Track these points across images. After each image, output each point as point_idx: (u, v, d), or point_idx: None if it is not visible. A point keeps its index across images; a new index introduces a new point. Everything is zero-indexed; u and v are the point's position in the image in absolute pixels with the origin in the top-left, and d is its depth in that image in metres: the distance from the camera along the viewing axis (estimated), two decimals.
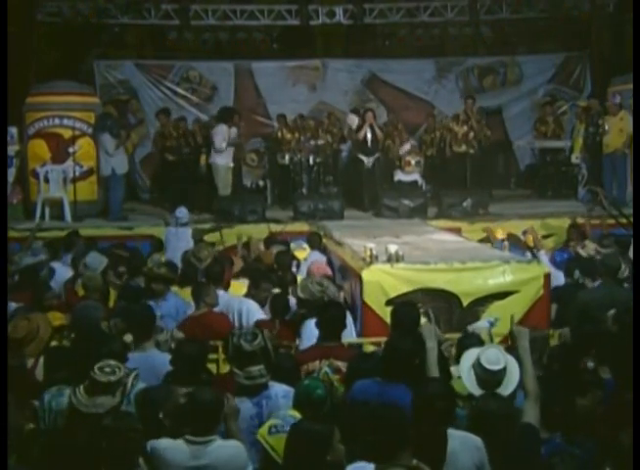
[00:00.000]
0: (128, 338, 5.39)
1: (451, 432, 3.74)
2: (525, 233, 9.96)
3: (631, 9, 12.10)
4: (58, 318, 6.06)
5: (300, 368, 4.99)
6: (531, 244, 9.50)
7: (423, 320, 5.57)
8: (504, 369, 4.26)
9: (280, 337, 5.69)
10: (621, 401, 4.14)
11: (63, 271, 8.27)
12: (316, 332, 5.35)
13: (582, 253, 8.33)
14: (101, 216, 12.18)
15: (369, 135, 12.78)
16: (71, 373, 4.43)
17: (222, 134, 12.40)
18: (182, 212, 10.43)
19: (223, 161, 12.40)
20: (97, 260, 7.91)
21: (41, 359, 5.17)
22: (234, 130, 12.67)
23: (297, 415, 4.00)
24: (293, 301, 6.41)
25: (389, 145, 14.04)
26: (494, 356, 4.30)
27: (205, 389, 4.12)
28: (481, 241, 10.00)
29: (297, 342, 5.81)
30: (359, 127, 12.99)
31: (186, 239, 10.00)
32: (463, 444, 3.69)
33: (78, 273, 7.75)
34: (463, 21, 16.31)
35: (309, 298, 6.02)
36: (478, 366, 4.28)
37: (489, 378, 4.25)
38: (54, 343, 5.48)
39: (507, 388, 4.24)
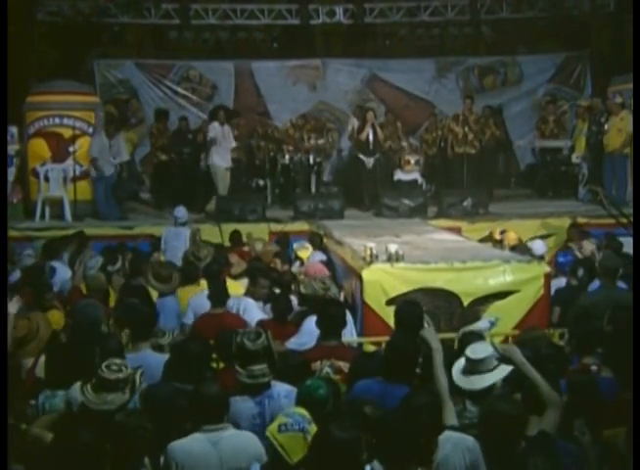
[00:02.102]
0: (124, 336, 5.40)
1: (443, 434, 3.70)
2: (502, 232, 9.96)
3: (631, 9, 12.09)
4: (58, 318, 6.05)
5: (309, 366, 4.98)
6: (512, 242, 9.50)
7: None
8: (485, 360, 4.28)
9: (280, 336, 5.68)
10: (620, 401, 4.15)
11: (63, 271, 8.28)
12: (315, 329, 5.34)
13: (578, 254, 8.33)
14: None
15: (371, 136, 12.78)
16: (69, 371, 4.42)
17: (213, 132, 12.34)
18: (181, 212, 10.43)
19: (220, 161, 12.33)
20: (93, 260, 7.92)
21: (41, 359, 5.17)
22: (227, 129, 12.56)
23: (306, 414, 3.99)
24: (295, 301, 6.41)
25: (390, 146, 14.00)
26: (479, 347, 4.38)
27: (209, 383, 4.13)
28: (482, 240, 10.00)
29: (295, 338, 5.79)
30: (361, 128, 12.98)
31: (184, 239, 10.00)
32: (455, 445, 3.67)
33: (75, 272, 7.77)
34: (463, 20, 16.34)
35: (311, 293, 6.03)
36: (464, 358, 4.35)
37: (470, 367, 4.29)
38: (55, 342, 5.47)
39: (485, 379, 4.26)
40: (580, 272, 7.41)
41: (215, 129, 12.37)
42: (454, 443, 3.68)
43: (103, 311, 6.02)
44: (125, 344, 5.33)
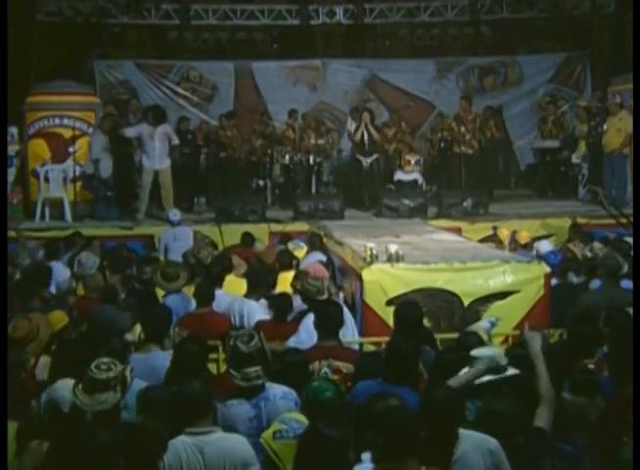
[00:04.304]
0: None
1: (464, 433, 3.68)
2: (515, 233, 9.99)
3: (631, 9, 12.10)
4: (60, 319, 6.02)
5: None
6: (523, 241, 9.53)
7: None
8: (478, 359, 4.31)
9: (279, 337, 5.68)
10: (619, 401, 4.15)
11: (61, 271, 8.26)
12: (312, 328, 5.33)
13: (588, 254, 8.31)
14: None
15: (366, 136, 12.79)
16: (75, 371, 4.41)
17: (132, 132, 11.87)
18: (175, 215, 10.42)
19: (149, 162, 11.80)
20: (90, 260, 7.90)
21: (41, 359, 5.17)
22: (161, 129, 11.72)
23: (303, 420, 3.97)
24: (296, 302, 6.39)
25: (396, 146, 13.96)
26: (481, 350, 4.43)
27: (194, 380, 4.10)
28: (482, 241, 10.00)
29: (294, 337, 5.78)
30: (356, 129, 13.01)
31: (187, 239, 9.98)
32: (476, 446, 3.63)
33: (74, 273, 7.76)
34: (463, 20, 16.34)
35: (307, 293, 6.03)
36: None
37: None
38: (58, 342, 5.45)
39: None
40: (573, 273, 7.44)
41: (137, 129, 11.82)
42: (475, 442, 3.64)
43: (121, 315, 6.00)
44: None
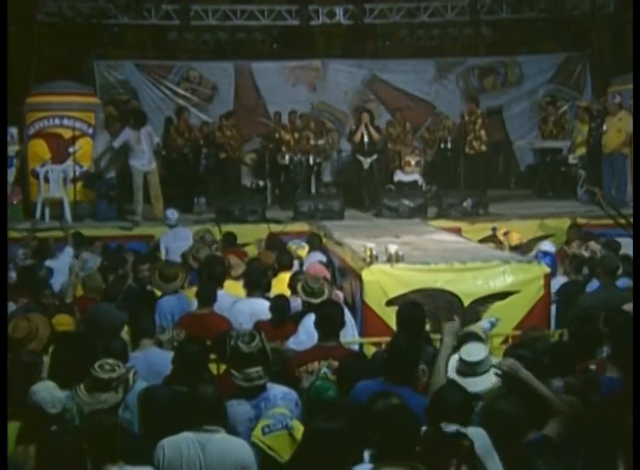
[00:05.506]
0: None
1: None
2: (506, 234, 9.97)
3: (631, 9, 12.09)
4: (66, 323, 6.01)
5: (294, 369, 4.99)
6: (514, 242, 9.51)
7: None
8: (481, 362, 4.34)
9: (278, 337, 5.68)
10: (620, 401, 4.15)
11: (61, 271, 8.25)
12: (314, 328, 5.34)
13: (585, 253, 8.31)
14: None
15: (365, 136, 12.80)
16: (74, 371, 4.41)
17: (121, 140, 11.72)
18: (172, 214, 10.42)
19: (138, 164, 11.72)
20: (91, 260, 7.89)
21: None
22: (145, 131, 11.71)
23: (286, 412, 4.01)
24: (294, 302, 6.38)
25: (397, 147, 13.96)
26: (473, 350, 4.43)
27: (206, 384, 4.12)
28: (482, 241, 9.99)
29: (294, 338, 5.78)
30: (355, 129, 13.01)
31: (186, 238, 9.98)
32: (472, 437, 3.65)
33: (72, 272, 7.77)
34: (463, 21, 16.33)
35: (305, 294, 6.02)
36: (459, 359, 4.44)
37: (465, 369, 4.38)
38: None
39: (481, 382, 4.31)
40: (585, 270, 7.44)
41: (123, 137, 11.70)
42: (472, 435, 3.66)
43: (117, 311, 6.01)
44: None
